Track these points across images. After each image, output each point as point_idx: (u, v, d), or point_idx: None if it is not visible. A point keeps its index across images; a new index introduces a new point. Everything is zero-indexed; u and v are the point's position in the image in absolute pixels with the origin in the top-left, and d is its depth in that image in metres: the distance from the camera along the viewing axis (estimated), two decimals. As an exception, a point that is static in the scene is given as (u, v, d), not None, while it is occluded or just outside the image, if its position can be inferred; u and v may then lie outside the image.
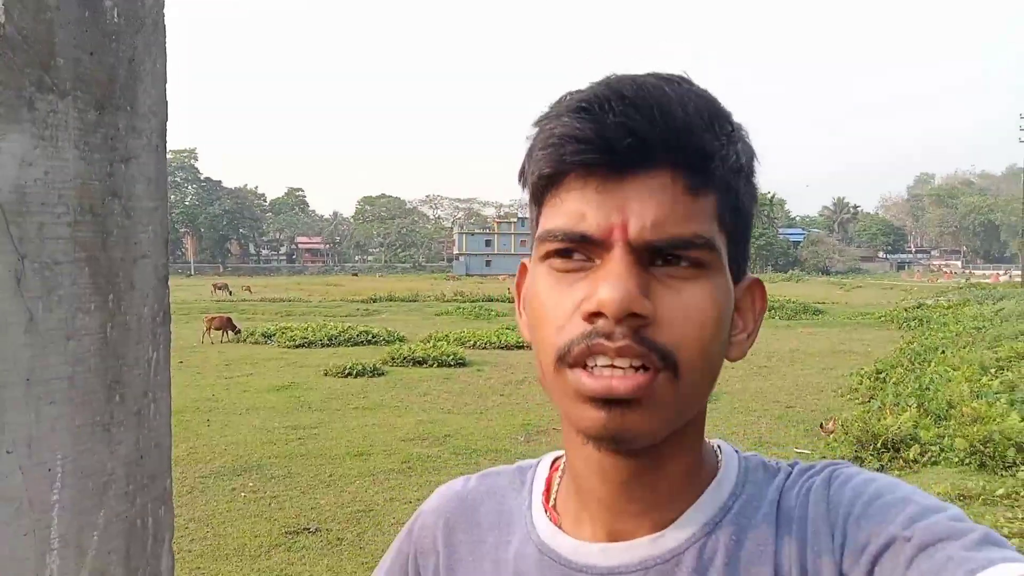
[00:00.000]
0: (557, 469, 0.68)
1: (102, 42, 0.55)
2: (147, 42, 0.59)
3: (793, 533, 0.56)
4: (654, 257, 0.53)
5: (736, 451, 0.64)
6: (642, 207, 0.52)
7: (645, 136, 0.51)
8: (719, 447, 0.64)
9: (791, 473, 0.60)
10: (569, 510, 0.63)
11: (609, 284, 0.51)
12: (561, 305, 0.54)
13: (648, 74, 0.55)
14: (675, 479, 0.59)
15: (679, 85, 0.54)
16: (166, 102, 0.62)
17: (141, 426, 0.60)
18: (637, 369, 0.52)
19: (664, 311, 0.52)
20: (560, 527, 0.63)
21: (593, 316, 0.52)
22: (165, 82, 0.62)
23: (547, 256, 0.56)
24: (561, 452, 0.69)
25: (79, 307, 0.54)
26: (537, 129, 0.56)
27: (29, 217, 0.51)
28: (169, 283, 0.63)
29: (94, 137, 0.55)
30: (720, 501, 0.59)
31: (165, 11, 0.60)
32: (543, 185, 0.55)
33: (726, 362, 0.59)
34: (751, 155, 0.58)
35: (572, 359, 0.53)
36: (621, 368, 0.52)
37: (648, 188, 0.52)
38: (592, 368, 0.52)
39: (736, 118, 0.58)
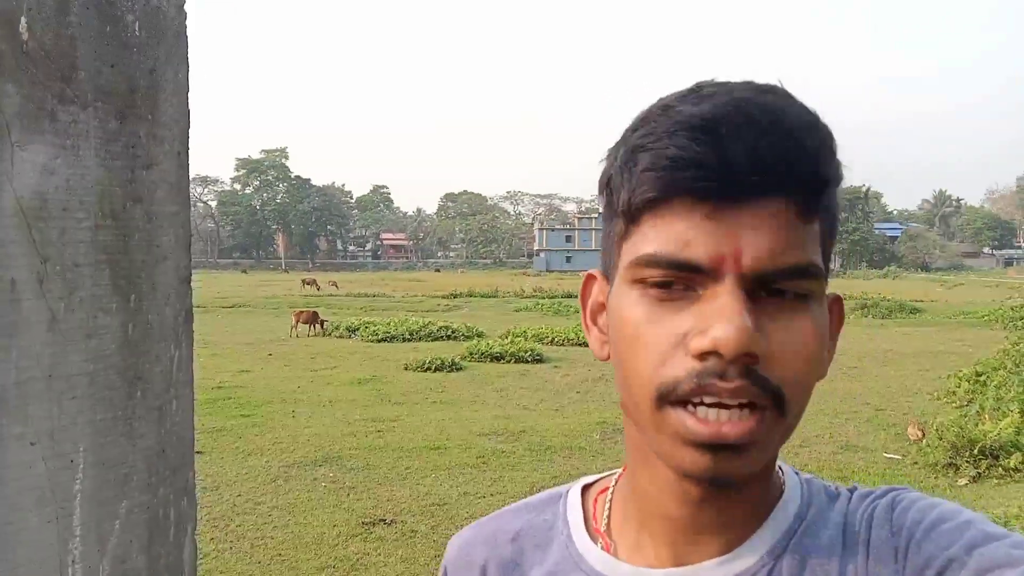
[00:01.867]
0: (598, 497, 0.65)
1: (123, 54, 0.58)
2: (168, 53, 0.62)
3: (857, 556, 0.55)
4: (759, 288, 0.50)
5: (796, 472, 0.62)
6: (756, 236, 0.49)
7: (771, 165, 0.48)
8: (780, 467, 0.61)
9: (851, 497, 0.59)
10: (626, 535, 0.61)
11: (725, 321, 0.48)
12: (662, 337, 0.51)
13: (754, 88, 0.51)
14: (749, 501, 0.58)
15: (792, 103, 0.50)
16: (188, 111, 0.65)
17: (163, 420, 0.63)
18: (743, 408, 0.49)
19: (773, 347, 0.50)
20: (615, 555, 0.60)
21: (704, 355, 0.49)
22: (187, 91, 0.65)
23: (642, 281, 0.52)
24: (592, 479, 0.67)
25: (100, 307, 0.57)
26: (635, 142, 0.52)
27: (51, 222, 0.54)
28: (191, 283, 0.66)
29: (115, 145, 0.58)
30: (786, 524, 0.58)
31: (188, 22, 0.63)
32: (642, 205, 0.51)
33: None
34: (840, 164, 0.53)
35: (677, 397, 0.50)
36: (728, 409, 0.49)
37: (762, 216, 0.49)
38: (697, 408, 0.50)
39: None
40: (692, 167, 0.48)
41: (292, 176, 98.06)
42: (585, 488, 0.67)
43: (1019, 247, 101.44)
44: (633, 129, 0.52)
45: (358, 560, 5.25)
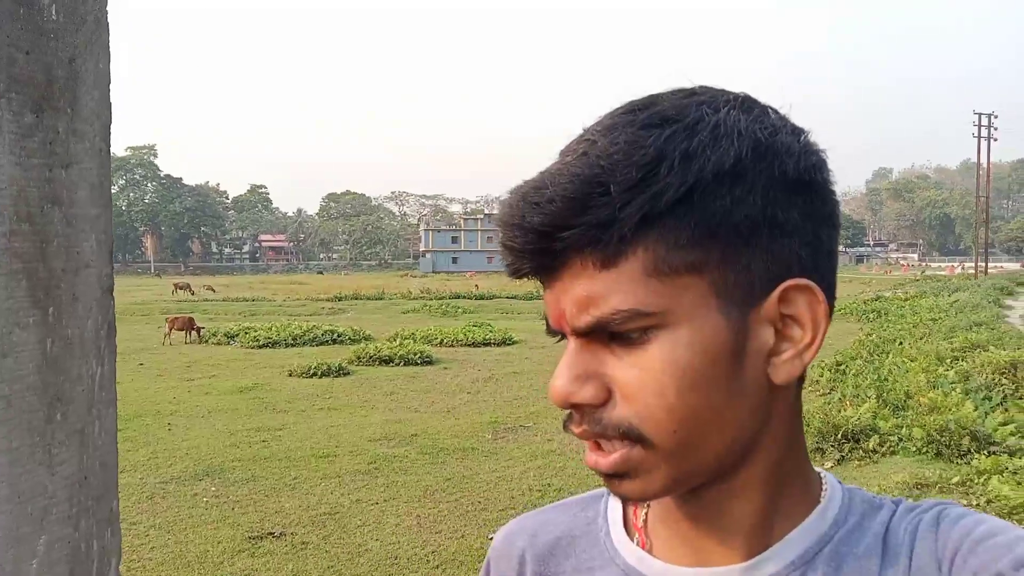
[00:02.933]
0: None
1: (39, 41, 0.52)
2: (89, 41, 0.56)
3: (899, 568, 0.55)
4: (603, 335, 0.53)
5: (839, 483, 0.63)
6: (569, 297, 0.53)
7: (530, 252, 0.53)
8: (824, 477, 0.62)
9: (896, 510, 0.59)
10: (660, 534, 0.62)
11: (555, 376, 0.54)
12: None
13: (578, 139, 0.54)
14: (755, 507, 0.58)
15: (581, 155, 0.52)
16: (110, 104, 0.59)
17: (85, 445, 0.57)
18: (611, 441, 0.54)
19: (620, 387, 0.53)
20: (650, 552, 0.62)
21: None
22: (109, 83, 0.59)
23: None
24: None
25: (16, 322, 0.51)
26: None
27: (-41, 227, 0.48)
28: (114, 293, 0.60)
29: (31, 141, 0.52)
30: (822, 530, 0.58)
31: (108, 8, 0.57)
32: None
33: None
34: (715, 161, 0.51)
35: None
36: (597, 445, 0.55)
37: (570, 276, 0.53)
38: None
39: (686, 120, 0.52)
40: (508, 255, 0.55)
41: (162, 175, 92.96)
42: None
43: (868, 245, 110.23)
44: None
45: (246, 576, 5.03)
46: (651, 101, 0.54)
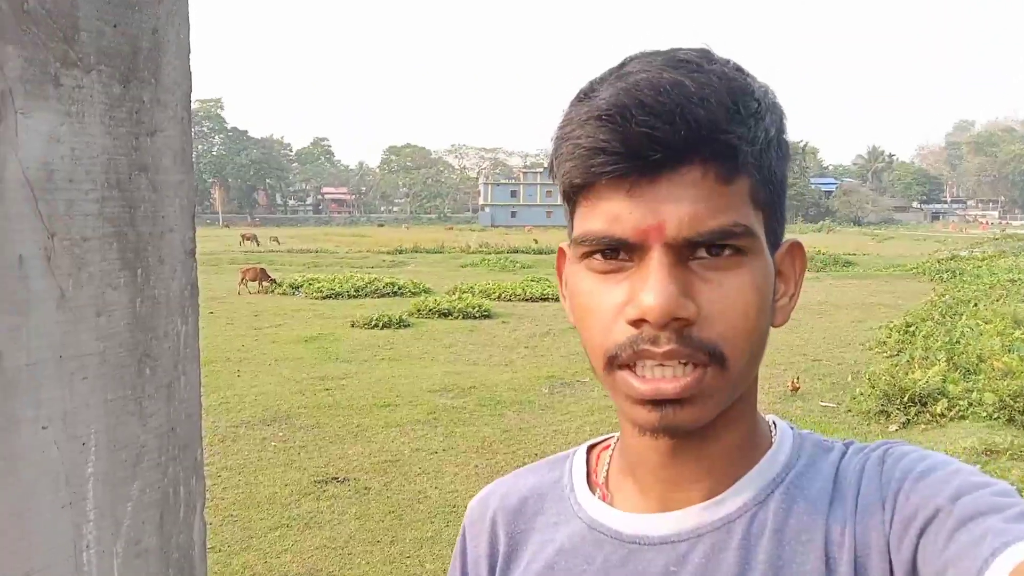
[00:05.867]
0: (600, 454, 0.70)
1: (124, 13, 0.54)
2: (169, 11, 0.58)
3: (846, 506, 0.57)
4: (694, 250, 0.53)
5: (791, 427, 0.65)
6: (676, 206, 0.52)
7: (670, 143, 0.51)
8: (774, 423, 0.65)
9: (846, 452, 0.61)
10: (622, 487, 0.65)
11: (650, 290, 0.52)
12: (604, 308, 0.55)
13: (665, 63, 0.53)
14: (726, 450, 0.60)
15: (699, 72, 0.53)
16: (190, 73, 0.61)
17: (172, 398, 0.61)
18: (685, 365, 0.53)
19: (708, 306, 0.53)
20: (611, 505, 0.64)
21: (638, 322, 0.53)
22: (189, 52, 0.61)
23: (585, 256, 0.57)
24: (598, 439, 0.72)
25: (108, 283, 0.55)
26: (559, 132, 0.56)
27: (57, 194, 0.51)
28: (196, 255, 0.63)
29: (119, 111, 0.54)
30: (773, 473, 0.60)
31: (186, -22, 0.59)
32: (574, 190, 0.56)
33: None
34: (780, 119, 0.57)
35: (620, 363, 0.55)
36: (669, 368, 0.53)
37: (680, 186, 0.52)
38: (641, 370, 0.54)
39: (762, 78, 0.57)
40: (601, 154, 0.52)
41: (228, 128, 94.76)
42: (592, 447, 0.72)
43: (945, 202, 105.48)
44: (563, 115, 0.57)
45: (312, 518, 5.26)
46: (707, 52, 0.56)
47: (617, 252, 0.55)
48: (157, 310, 0.58)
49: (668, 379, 0.53)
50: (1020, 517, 0.48)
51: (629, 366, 0.54)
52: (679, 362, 0.53)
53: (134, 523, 0.57)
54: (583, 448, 0.72)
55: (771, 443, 0.62)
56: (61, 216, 0.50)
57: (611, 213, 0.53)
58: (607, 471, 0.67)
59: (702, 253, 0.53)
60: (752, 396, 0.61)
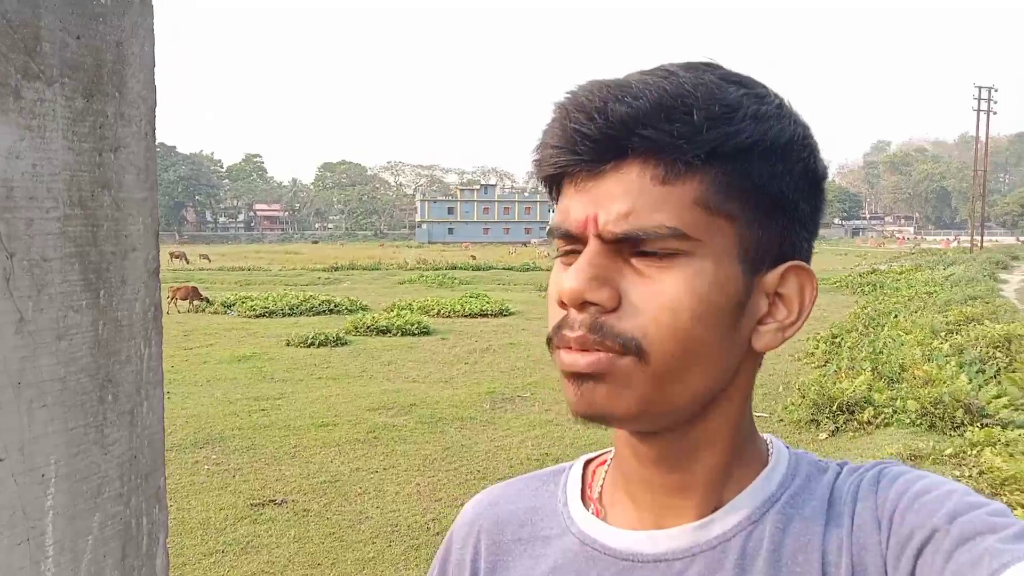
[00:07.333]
0: (596, 469, 0.69)
1: (88, 25, 0.52)
2: (134, 24, 0.56)
3: (842, 527, 0.57)
4: (635, 246, 0.54)
5: (787, 447, 0.65)
6: (611, 201, 0.54)
7: (595, 139, 0.53)
8: (771, 442, 0.65)
9: (840, 472, 0.61)
10: (615, 502, 0.64)
11: (569, 274, 0.54)
12: (552, 293, 0.59)
13: (647, 70, 0.56)
14: (712, 464, 0.60)
15: (668, 77, 0.54)
16: (155, 87, 0.59)
17: (134, 424, 0.58)
18: (598, 352, 0.54)
19: (635, 299, 0.54)
20: (605, 520, 0.64)
21: (562, 305, 0.56)
22: (154, 66, 0.59)
23: (559, 248, 0.60)
24: (594, 454, 0.71)
25: (70, 305, 0.52)
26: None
27: (17, 212, 0.48)
28: (160, 275, 0.61)
29: (82, 126, 0.52)
30: (769, 491, 0.60)
31: (150, -10, 0.57)
32: (547, 186, 0.60)
33: None
34: (775, 132, 0.56)
35: (555, 344, 0.57)
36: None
37: (619, 182, 0.54)
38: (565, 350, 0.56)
39: (772, 98, 0.57)
40: (551, 148, 0.55)
41: (155, 143, 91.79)
42: (589, 461, 0.71)
43: (865, 218, 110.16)
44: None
45: (248, 543, 5.09)
46: (713, 64, 0.57)
47: (572, 246, 0.57)
48: (120, 333, 0.55)
49: (582, 354, 0.55)
50: (1017, 537, 0.49)
51: (559, 347, 0.56)
52: (594, 349, 0.54)
53: (95, 557, 0.54)
54: (580, 462, 0.71)
55: (767, 462, 0.62)
56: (21, 235, 0.47)
57: (564, 207, 0.57)
58: (602, 486, 0.67)
59: (646, 250, 0.54)
60: (735, 413, 0.61)
